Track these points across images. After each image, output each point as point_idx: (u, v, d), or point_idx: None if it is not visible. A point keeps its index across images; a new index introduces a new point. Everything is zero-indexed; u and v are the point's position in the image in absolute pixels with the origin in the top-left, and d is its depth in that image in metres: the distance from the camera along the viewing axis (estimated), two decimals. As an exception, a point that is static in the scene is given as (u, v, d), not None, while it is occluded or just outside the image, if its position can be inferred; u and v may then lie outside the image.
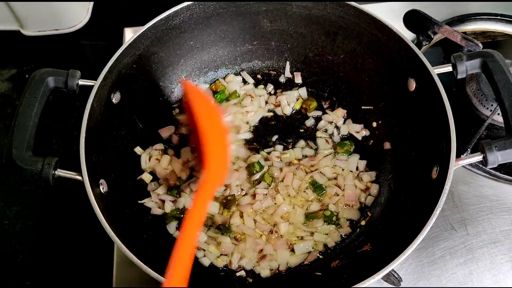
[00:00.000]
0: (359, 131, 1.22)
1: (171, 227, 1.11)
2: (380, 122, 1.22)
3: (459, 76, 1.02)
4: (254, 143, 1.21)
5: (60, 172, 0.94)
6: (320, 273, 1.05)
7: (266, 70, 1.32)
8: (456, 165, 0.94)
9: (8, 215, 1.31)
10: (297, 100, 1.27)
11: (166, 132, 1.22)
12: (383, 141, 1.20)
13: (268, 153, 1.19)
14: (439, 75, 1.02)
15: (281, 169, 1.16)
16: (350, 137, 1.22)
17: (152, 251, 1.03)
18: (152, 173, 1.17)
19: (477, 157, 0.94)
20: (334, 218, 1.11)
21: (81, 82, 1.02)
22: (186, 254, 0.79)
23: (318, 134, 1.22)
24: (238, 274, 1.06)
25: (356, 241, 1.09)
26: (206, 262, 1.07)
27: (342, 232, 1.11)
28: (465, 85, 1.31)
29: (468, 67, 1.01)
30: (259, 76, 1.31)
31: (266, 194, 1.13)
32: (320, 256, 1.08)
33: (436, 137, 1.01)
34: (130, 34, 1.39)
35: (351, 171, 1.17)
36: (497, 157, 0.92)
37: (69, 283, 1.22)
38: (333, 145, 1.21)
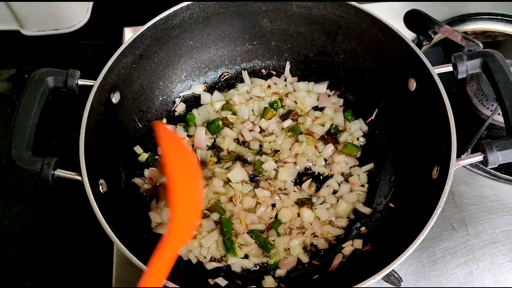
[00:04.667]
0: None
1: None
2: (380, 122, 1.22)
3: (459, 76, 1.02)
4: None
5: (60, 172, 0.93)
6: (321, 274, 1.05)
7: (266, 70, 1.31)
8: (457, 165, 0.94)
9: (8, 215, 1.31)
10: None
11: (170, 128, 1.22)
12: (383, 141, 1.20)
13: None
14: (440, 75, 1.02)
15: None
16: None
17: (152, 251, 1.03)
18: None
19: (478, 157, 0.94)
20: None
21: (81, 82, 1.02)
22: None
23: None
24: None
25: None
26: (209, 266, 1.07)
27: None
28: (465, 85, 1.31)
29: (468, 67, 1.01)
30: (263, 71, 1.31)
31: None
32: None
33: (436, 137, 1.01)
34: (129, 34, 1.39)
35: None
36: (498, 157, 0.92)
37: (69, 283, 1.22)
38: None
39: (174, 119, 1.25)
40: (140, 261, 0.87)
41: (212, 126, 1.22)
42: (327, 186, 1.15)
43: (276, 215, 1.12)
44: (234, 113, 1.25)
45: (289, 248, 1.08)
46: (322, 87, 1.27)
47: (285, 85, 1.29)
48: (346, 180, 1.17)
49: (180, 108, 1.26)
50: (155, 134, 1.11)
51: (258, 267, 1.07)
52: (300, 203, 1.12)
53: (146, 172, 1.16)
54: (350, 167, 1.18)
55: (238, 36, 1.26)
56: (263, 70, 1.31)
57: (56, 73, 1.01)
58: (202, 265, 1.07)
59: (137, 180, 1.15)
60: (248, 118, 1.24)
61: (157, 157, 1.19)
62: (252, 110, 1.25)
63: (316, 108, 1.26)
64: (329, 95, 1.27)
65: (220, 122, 1.22)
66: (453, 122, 0.97)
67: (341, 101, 1.26)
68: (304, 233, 1.10)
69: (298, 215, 1.12)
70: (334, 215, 1.13)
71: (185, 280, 0.99)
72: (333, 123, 1.23)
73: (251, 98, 1.27)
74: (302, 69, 1.30)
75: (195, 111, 1.26)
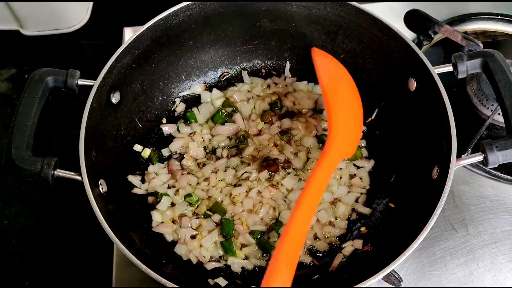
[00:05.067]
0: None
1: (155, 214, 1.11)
2: (380, 122, 1.22)
3: (459, 76, 1.02)
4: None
5: (60, 172, 0.93)
6: (321, 274, 1.05)
7: (267, 69, 1.31)
8: (457, 165, 0.93)
9: (7, 215, 1.31)
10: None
11: (170, 128, 1.23)
12: (383, 141, 1.20)
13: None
14: (440, 75, 1.02)
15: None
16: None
17: (152, 251, 1.03)
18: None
19: (478, 157, 0.94)
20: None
21: (81, 82, 1.02)
22: (298, 237, 0.71)
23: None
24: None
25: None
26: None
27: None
28: (465, 85, 1.31)
29: (468, 67, 1.01)
30: (263, 71, 1.31)
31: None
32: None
33: (436, 137, 1.01)
34: (129, 34, 1.39)
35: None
36: (498, 157, 0.92)
37: (69, 283, 1.22)
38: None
39: (174, 119, 1.25)
40: (140, 261, 0.87)
41: (217, 117, 1.23)
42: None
43: (277, 217, 1.11)
44: (235, 110, 1.25)
45: None
46: None
47: (285, 85, 1.29)
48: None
49: (180, 108, 1.26)
50: (314, 58, 1.09)
51: (258, 269, 1.07)
52: None
53: (151, 168, 1.16)
54: (357, 168, 1.18)
55: (238, 36, 1.26)
56: (263, 70, 1.31)
57: (56, 73, 1.01)
58: (202, 265, 1.07)
59: (131, 178, 1.14)
60: (250, 116, 1.24)
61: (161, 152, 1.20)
62: (254, 109, 1.26)
63: (315, 110, 1.26)
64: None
65: (225, 112, 1.23)
66: (453, 122, 0.97)
67: None
68: None
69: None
70: (333, 215, 1.13)
71: (185, 280, 0.99)
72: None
73: (252, 97, 1.27)
74: (302, 69, 1.30)
75: (195, 109, 1.26)
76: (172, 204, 1.13)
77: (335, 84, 0.96)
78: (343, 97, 0.95)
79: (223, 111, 1.24)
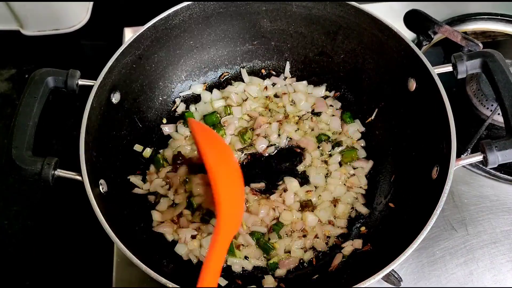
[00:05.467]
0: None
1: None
2: (380, 122, 1.22)
3: (459, 76, 1.02)
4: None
5: (60, 172, 0.93)
6: (321, 274, 1.05)
7: (266, 70, 1.31)
8: (456, 165, 0.93)
9: (8, 215, 1.31)
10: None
11: (170, 128, 1.23)
12: (383, 141, 1.20)
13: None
14: (440, 75, 1.02)
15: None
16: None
17: (152, 251, 1.03)
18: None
19: (477, 157, 0.94)
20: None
21: (81, 82, 1.02)
22: None
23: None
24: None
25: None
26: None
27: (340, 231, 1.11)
28: (465, 85, 1.31)
29: (468, 67, 1.01)
30: (263, 71, 1.31)
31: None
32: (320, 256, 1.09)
33: (436, 137, 1.01)
34: (129, 34, 1.39)
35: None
36: (497, 157, 0.92)
37: (69, 283, 1.22)
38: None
39: (174, 119, 1.25)
40: (141, 261, 0.87)
41: (209, 118, 1.23)
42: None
43: (278, 217, 1.12)
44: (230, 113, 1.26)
45: (289, 251, 1.08)
46: (321, 90, 1.27)
47: (285, 85, 1.29)
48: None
49: (181, 108, 1.26)
50: (191, 130, 1.11)
51: (258, 269, 1.07)
52: (302, 205, 1.13)
53: (152, 168, 1.16)
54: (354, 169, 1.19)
55: (238, 36, 1.26)
56: (263, 70, 1.31)
57: (56, 73, 1.01)
58: (202, 265, 1.06)
59: (132, 179, 1.15)
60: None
61: (160, 151, 1.20)
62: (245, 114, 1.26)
63: (313, 112, 1.26)
64: (327, 96, 1.27)
65: (219, 118, 1.23)
66: (453, 122, 0.97)
67: (339, 104, 1.26)
68: (305, 236, 1.10)
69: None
70: (333, 214, 1.13)
71: (185, 280, 0.99)
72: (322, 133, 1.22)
73: (247, 98, 1.27)
74: (302, 69, 1.30)
75: (192, 107, 1.26)
76: (173, 204, 1.13)
77: (218, 160, 0.93)
78: (227, 174, 0.93)
79: (217, 114, 1.24)
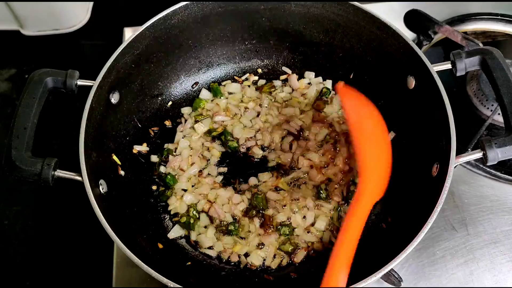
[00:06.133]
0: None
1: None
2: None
3: (458, 74, 1.02)
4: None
5: (60, 173, 0.93)
6: (320, 273, 1.05)
7: (266, 68, 1.31)
8: (456, 162, 0.93)
9: (8, 215, 1.31)
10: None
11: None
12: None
13: None
14: (440, 75, 1.02)
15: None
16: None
17: (152, 251, 1.03)
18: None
19: (477, 154, 0.94)
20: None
21: (80, 82, 1.02)
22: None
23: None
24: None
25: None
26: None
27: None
28: (465, 85, 1.31)
29: (467, 64, 1.01)
30: (259, 70, 1.31)
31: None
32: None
33: (436, 134, 1.01)
34: (129, 34, 1.38)
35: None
36: (497, 153, 0.92)
37: (69, 283, 1.22)
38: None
39: (174, 119, 1.25)
40: (141, 261, 0.87)
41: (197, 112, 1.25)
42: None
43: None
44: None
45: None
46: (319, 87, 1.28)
47: (284, 85, 1.29)
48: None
49: (180, 108, 1.26)
50: (340, 97, 1.08)
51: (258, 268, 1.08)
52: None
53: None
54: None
55: (237, 35, 1.26)
56: (259, 70, 1.31)
57: (55, 74, 1.01)
58: (203, 264, 1.07)
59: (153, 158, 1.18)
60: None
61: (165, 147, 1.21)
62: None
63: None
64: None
65: (208, 115, 1.25)
66: (452, 118, 0.96)
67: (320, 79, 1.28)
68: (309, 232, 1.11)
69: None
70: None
71: (186, 280, 0.99)
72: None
73: (243, 98, 1.28)
74: (300, 67, 1.30)
75: (187, 109, 1.27)
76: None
77: (364, 126, 0.96)
78: (373, 139, 0.95)
79: (209, 112, 1.25)
